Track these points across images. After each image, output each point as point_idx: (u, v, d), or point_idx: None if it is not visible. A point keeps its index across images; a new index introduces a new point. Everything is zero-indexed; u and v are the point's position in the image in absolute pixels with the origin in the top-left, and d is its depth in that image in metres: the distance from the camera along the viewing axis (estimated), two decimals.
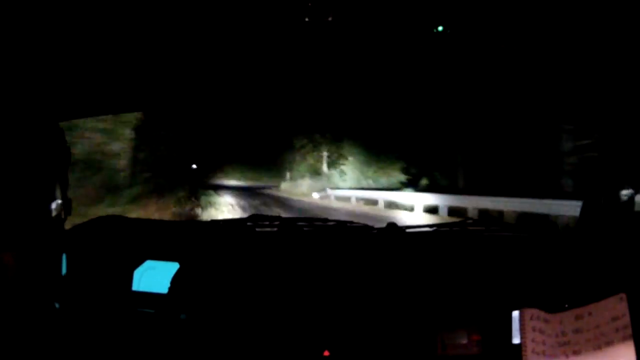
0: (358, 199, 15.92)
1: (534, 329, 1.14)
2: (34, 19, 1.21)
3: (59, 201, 1.41)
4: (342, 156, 20.54)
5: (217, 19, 1.37)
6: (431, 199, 12.31)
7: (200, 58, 1.44)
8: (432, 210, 11.90)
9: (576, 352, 1.11)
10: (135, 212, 8.27)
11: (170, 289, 1.28)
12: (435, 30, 1.39)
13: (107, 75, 1.40)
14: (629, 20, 1.23)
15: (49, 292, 1.32)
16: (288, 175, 22.88)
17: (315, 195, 18.63)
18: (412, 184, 17.27)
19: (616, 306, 1.11)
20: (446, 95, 1.64)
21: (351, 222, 1.56)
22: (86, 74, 1.38)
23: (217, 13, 1.37)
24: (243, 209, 12.42)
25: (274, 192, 21.11)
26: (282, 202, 15.65)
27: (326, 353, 1.23)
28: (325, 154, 20.63)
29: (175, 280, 1.29)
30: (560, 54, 1.38)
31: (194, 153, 18.14)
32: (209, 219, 1.72)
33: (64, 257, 1.37)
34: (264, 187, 22.87)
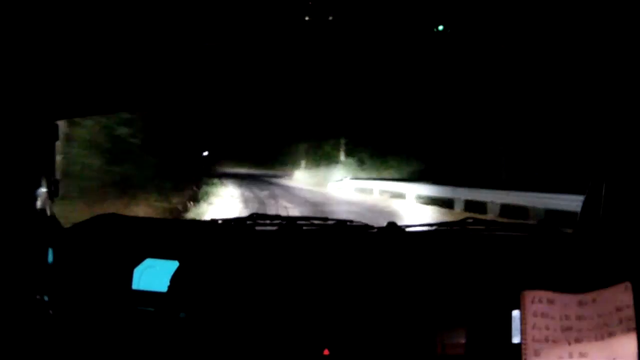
0: (382, 192, 15.33)
1: (535, 314, 1.18)
2: (34, 17, 1.32)
3: (44, 189, 1.48)
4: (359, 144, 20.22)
5: (224, 18, 1.50)
6: (477, 195, 11.09)
7: (209, 55, 1.56)
8: (479, 208, 10.43)
9: (578, 340, 1.15)
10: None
11: (169, 287, 1.40)
12: (435, 30, 1.49)
13: (110, 74, 1.53)
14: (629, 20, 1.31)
15: (35, 286, 1.41)
16: (302, 163, 22.96)
17: (332, 186, 18.21)
18: (442, 175, 15.66)
19: (621, 296, 1.16)
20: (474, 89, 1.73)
21: (351, 221, 1.68)
22: (95, 69, 1.50)
23: (224, 12, 1.49)
24: (246, 203, 12.04)
25: (285, 181, 20.90)
26: (293, 194, 15.21)
27: (326, 352, 1.33)
28: (342, 140, 20.53)
29: (175, 279, 1.41)
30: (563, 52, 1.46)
31: (205, 140, 18.23)
32: (208, 218, 1.86)
33: (50, 249, 1.47)
34: (275, 176, 22.95)
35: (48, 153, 1.53)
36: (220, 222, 1.68)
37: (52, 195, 1.54)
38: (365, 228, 1.64)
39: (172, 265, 1.44)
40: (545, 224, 1.63)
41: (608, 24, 1.35)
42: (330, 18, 1.51)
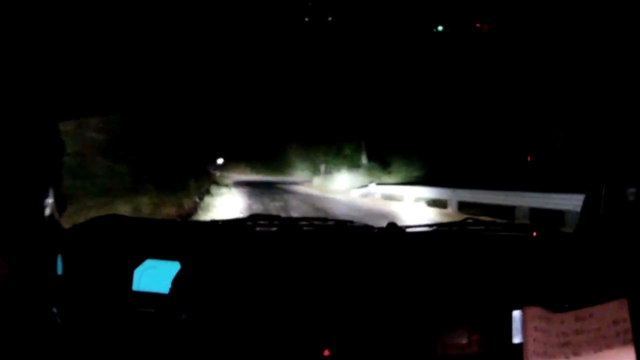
0: (416, 199, 14.14)
1: (535, 329, 1.30)
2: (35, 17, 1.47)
3: (51, 200, 1.60)
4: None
5: (228, 19, 1.63)
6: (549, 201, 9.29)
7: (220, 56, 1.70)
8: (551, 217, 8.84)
9: (576, 354, 1.26)
10: None
11: (171, 289, 1.51)
12: (435, 30, 1.59)
13: (115, 75, 1.67)
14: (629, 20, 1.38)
15: (45, 294, 1.51)
16: (322, 168, 22.91)
17: (355, 193, 17.61)
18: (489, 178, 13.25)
19: (617, 310, 1.27)
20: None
21: (351, 221, 1.82)
22: (98, 70, 1.64)
23: (228, 13, 1.63)
24: None
25: (303, 188, 20.06)
26: (310, 203, 14.02)
27: (326, 353, 1.44)
28: (363, 142, 20.31)
29: (177, 280, 1.52)
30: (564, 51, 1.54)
31: (218, 143, 18.20)
32: (209, 219, 1.99)
33: (59, 258, 1.57)
34: (294, 183, 22.67)
35: (55, 166, 1.66)
36: (220, 223, 1.81)
37: (59, 208, 1.67)
38: (365, 229, 1.77)
39: (173, 266, 1.55)
40: (545, 224, 1.71)
41: (608, 24, 1.43)
42: (330, 19, 1.61)
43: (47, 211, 1.59)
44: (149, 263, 1.59)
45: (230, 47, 1.69)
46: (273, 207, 12.73)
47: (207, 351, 1.46)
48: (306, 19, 1.62)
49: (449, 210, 12.31)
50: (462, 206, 12.16)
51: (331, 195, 17.12)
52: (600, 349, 1.25)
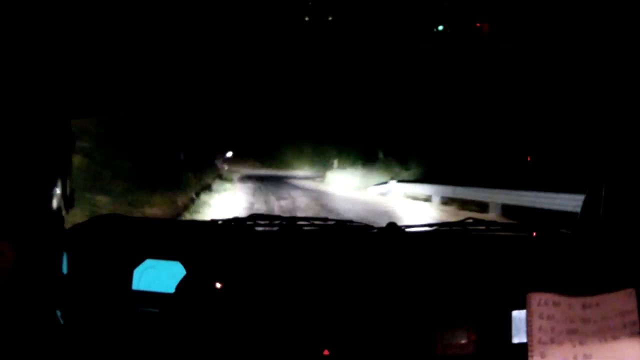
0: (444, 199, 12.98)
1: (541, 316, 1.35)
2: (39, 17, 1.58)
3: (59, 191, 1.70)
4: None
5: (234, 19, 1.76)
6: None
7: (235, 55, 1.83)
8: None
9: (582, 342, 1.33)
10: None
11: (176, 289, 1.62)
12: (435, 30, 1.71)
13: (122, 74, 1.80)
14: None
15: (49, 289, 1.60)
16: (335, 163, 22.77)
17: (373, 191, 16.57)
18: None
19: (625, 301, 1.34)
20: None
21: (351, 221, 1.96)
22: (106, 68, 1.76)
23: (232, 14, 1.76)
24: None
25: (315, 185, 19.32)
26: (322, 204, 12.87)
27: (326, 353, 1.56)
28: (379, 136, 19.90)
29: (183, 281, 1.63)
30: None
31: (229, 138, 18.13)
32: (208, 218, 2.12)
33: (65, 256, 1.67)
34: (305, 178, 22.48)
35: (64, 159, 1.77)
36: (220, 222, 1.93)
37: (67, 205, 1.78)
38: (365, 228, 1.91)
39: (173, 266, 1.67)
40: (545, 224, 1.81)
41: (608, 25, 1.52)
42: (330, 18, 1.73)
43: (55, 204, 1.69)
44: (149, 262, 1.69)
45: (240, 44, 1.82)
46: (278, 207, 12.05)
47: (208, 351, 1.57)
48: (306, 19, 1.73)
49: (492, 214, 11.34)
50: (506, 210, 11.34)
51: (345, 193, 16.20)
52: (606, 340, 1.32)
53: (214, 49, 1.84)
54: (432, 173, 15.63)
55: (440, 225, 1.96)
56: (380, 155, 20.48)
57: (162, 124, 11.54)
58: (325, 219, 1.96)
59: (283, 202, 12.94)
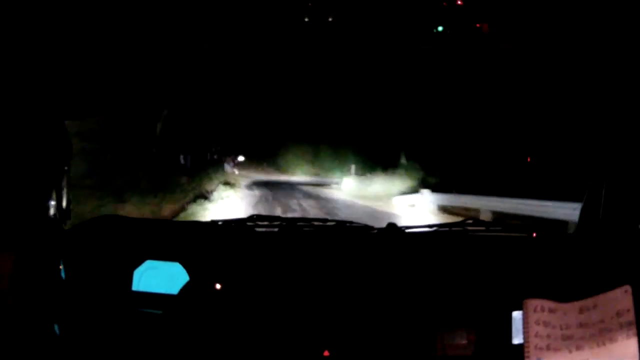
0: (495, 212, 11.11)
1: (537, 323, 1.40)
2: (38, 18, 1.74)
3: (53, 202, 1.82)
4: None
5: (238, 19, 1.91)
6: None
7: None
8: None
9: (579, 348, 1.37)
10: None
11: (180, 291, 1.72)
12: (435, 31, 1.83)
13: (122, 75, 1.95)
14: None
15: (48, 296, 1.71)
16: (352, 168, 22.65)
17: (399, 201, 15.15)
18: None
19: (621, 299, 1.38)
20: None
21: (351, 222, 2.10)
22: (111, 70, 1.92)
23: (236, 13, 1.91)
24: None
25: (330, 192, 18.52)
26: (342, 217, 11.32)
27: (326, 353, 1.66)
28: (400, 139, 19.64)
29: (186, 283, 1.74)
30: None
31: (242, 143, 18.10)
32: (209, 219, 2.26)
33: (62, 263, 1.78)
34: (320, 184, 22.30)
35: (61, 167, 1.90)
36: (220, 223, 2.08)
37: (64, 216, 1.91)
38: (365, 229, 2.05)
39: (172, 267, 1.79)
40: (545, 225, 1.92)
41: (608, 25, 1.63)
42: (330, 19, 1.86)
43: (52, 210, 1.83)
44: (149, 263, 1.82)
45: (243, 45, 1.96)
46: None
47: (208, 351, 1.67)
48: (306, 19, 1.87)
49: None
50: None
51: (367, 203, 14.88)
52: (603, 344, 1.37)
53: (214, 49, 1.98)
54: (459, 181, 14.55)
55: (440, 226, 2.09)
56: (403, 159, 20.08)
57: (147, 124, 11.32)
58: (325, 220, 2.11)
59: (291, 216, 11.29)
